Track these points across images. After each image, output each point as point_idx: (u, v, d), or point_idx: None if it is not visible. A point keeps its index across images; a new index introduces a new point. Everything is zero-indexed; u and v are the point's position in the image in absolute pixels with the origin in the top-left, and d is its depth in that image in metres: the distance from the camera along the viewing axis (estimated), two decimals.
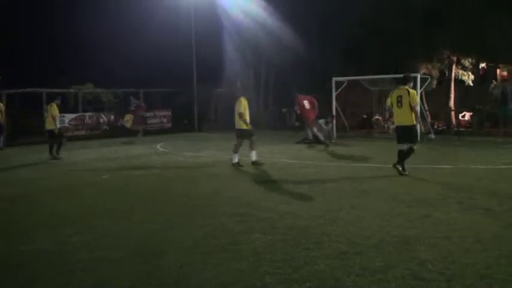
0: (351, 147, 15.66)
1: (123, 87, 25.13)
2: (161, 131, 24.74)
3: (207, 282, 4.36)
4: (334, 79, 19.30)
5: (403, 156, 9.74)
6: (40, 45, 29.11)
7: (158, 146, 17.62)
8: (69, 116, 22.64)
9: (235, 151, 11.87)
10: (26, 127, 21.33)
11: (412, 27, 19.17)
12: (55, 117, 14.51)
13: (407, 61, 20.93)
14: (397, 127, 10.03)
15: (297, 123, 24.92)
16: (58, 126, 14.86)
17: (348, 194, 8.08)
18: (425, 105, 19.00)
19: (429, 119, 19.17)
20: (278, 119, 26.36)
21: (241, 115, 11.62)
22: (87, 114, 23.60)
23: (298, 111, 15.95)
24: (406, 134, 9.72)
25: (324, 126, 17.11)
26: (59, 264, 4.94)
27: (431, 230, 5.76)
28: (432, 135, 18.10)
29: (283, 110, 26.01)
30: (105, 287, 4.38)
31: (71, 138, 20.16)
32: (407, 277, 4.31)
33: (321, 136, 15.79)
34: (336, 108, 19.19)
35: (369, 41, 20.64)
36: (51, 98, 15.49)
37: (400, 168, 9.70)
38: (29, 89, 22.19)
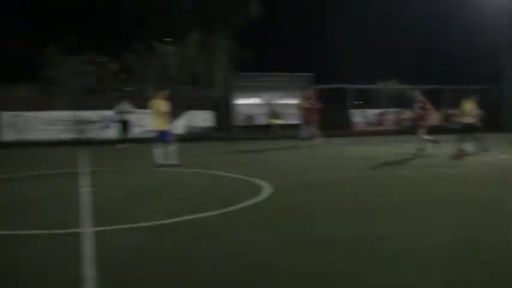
0: None
1: (429, 83, 24.56)
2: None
3: None
4: None
5: None
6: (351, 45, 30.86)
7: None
8: (372, 112, 23.47)
9: None
10: (333, 121, 22.77)
11: None
12: (470, 112, 15.02)
13: None
14: None
15: None
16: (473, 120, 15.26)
17: None
18: None
19: None
20: None
21: None
22: (390, 110, 23.97)
23: None
24: None
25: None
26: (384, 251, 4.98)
27: None
28: None
29: None
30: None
31: (374, 133, 20.69)
32: None
33: None
34: None
35: None
36: (469, 95, 15.60)
37: None
38: (335, 85, 23.70)
